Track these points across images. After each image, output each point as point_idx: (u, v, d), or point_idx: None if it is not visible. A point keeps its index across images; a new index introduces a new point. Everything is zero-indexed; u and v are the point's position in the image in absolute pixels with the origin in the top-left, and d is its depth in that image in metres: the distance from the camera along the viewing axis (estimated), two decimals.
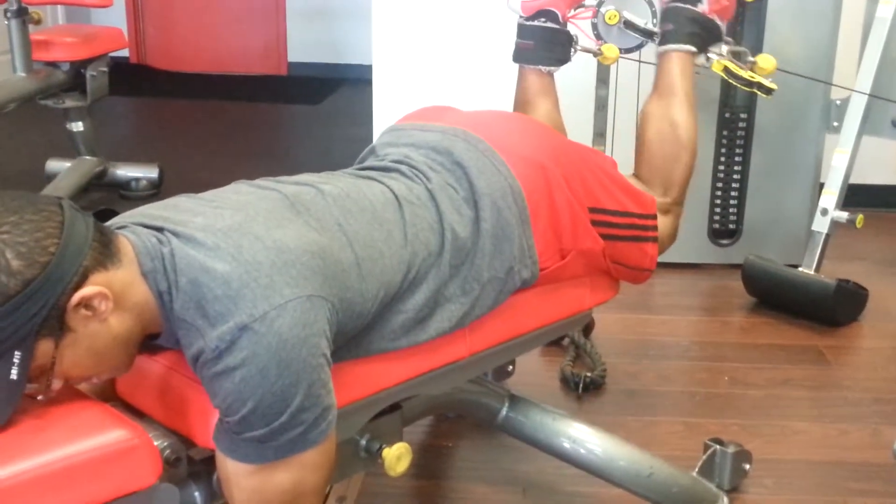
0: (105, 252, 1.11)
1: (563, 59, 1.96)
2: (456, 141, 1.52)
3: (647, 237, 1.68)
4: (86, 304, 1.08)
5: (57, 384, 1.12)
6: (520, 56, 1.96)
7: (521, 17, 1.96)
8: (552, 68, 1.95)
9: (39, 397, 1.12)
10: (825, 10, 2.76)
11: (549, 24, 1.93)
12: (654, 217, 1.69)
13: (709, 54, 1.94)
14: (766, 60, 2.08)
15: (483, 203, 1.44)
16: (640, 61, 2.28)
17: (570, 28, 1.99)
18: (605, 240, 1.60)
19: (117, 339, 1.14)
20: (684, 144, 1.81)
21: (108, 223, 1.22)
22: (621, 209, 1.63)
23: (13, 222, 1.05)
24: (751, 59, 2.06)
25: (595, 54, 2.08)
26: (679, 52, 1.88)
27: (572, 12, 2.00)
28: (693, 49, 1.88)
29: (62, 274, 1.06)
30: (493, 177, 1.47)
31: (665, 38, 1.90)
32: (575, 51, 2.00)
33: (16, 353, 1.04)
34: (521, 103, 1.96)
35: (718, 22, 1.92)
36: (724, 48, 1.95)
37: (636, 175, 1.83)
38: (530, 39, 1.95)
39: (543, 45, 1.94)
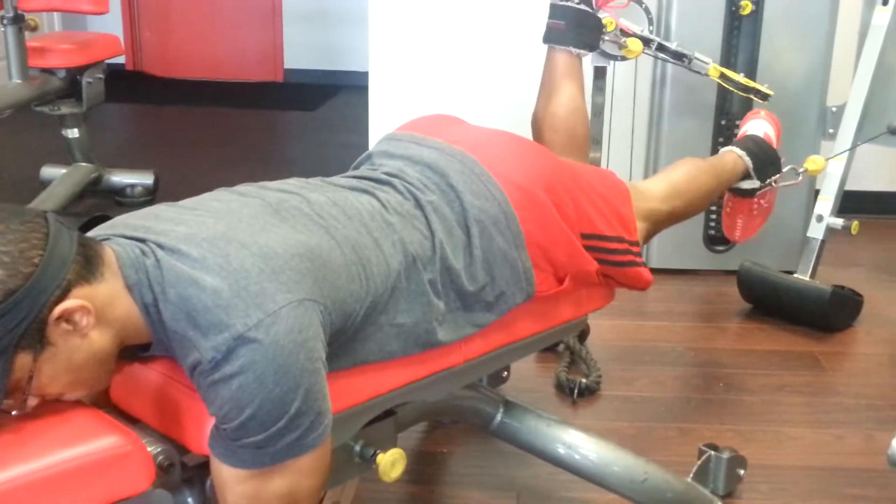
0: (88, 266, 1.11)
1: (593, 44, 1.97)
2: (452, 162, 1.51)
3: (638, 262, 1.69)
4: (67, 317, 1.08)
5: (33, 401, 1.11)
6: (550, 36, 1.96)
7: None
8: (582, 51, 1.95)
9: (14, 412, 1.10)
10: (821, 17, 2.77)
11: (582, 7, 1.93)
12: (638, 243, 1.71)
13: (763, 178, 2.12)
14: (814, 163, 2.31)
15: (474, 229, 1.44)
16: (656, 57, 2.30)
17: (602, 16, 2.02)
18: (599, 264, 1.61)
19: (97, 356, 1.13)
20: (699, 186, 1.95)
21: (90, 234, 1.21)
22: (614, 234, 1.63)
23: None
24: (801, 170, 2.27)
25: (620, 46, 2.09)
26: (734, 154, 2.09)
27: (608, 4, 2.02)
28: (747, 159, 2.07)
29: (45, 286, 1.05)
30: (486, 202, 1.47)
31: (731, 145, 2.13)
32: (603, 40, 2.01)
33: None
34: (548, 84, 1.96)
35: (779, 155, 2.14)
36: (781, 172, 2.16)
37: (647, 180, 1.88)
38: (562, 20, 1.95)
39: (574, 26, 1.94)
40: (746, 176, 2.09)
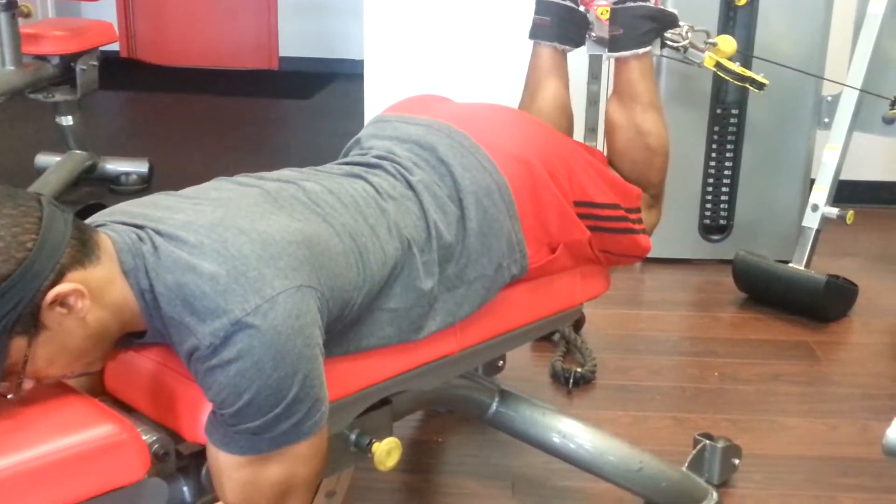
0: (83, 249, 1.10)
1: (578, 41, 1.94)
2: (440, 136, 1.51)
3: (636, 230, 1.68)
4: (61, 301, 1.07)
5: (28, 383, 1.11)
6: (536, 32, 1.94)
7: None
8: (566, 47, 1.93)
9: (10, 396, 1.11)
10: (817, 6, 2.77)
11: (567, 3, 1.91)
12: (639, 210, 1.70)
13: (666, 41, 1.89)
14: (726, 42, 2.06)
15: (468, 201, 1.44)
16: (660, 56, 2.25)
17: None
18: (592, 231, 1.60)
19: (92, 338, 1.13)
20: (655, 150, 1.79)
21: (88, 220, 1.21)
22: (608, 202, 1.63)
23: None
24: (711, 41, 2.04)
25: (605, 44, 2.07)
26: (634, 59, 1.81)
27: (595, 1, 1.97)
28: (648, 49, 1.82)
29: (38, 270, 1.05)
30: (478, 174, 1.47)
31: (617, 44, 1.82)
32: (589, 37, 1.99)
33: None
34: (532, 81, 1.94)
35: (672, 10, 1.86)
36: (684, 29, 1.90)
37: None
38: (547, 15, 1.92)
39: (560, 22, 1.91)
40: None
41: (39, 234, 1.06)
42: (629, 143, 1.78)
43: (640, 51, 1.80)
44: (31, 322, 1.06)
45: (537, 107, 1.92)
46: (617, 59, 1.83)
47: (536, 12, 1.95)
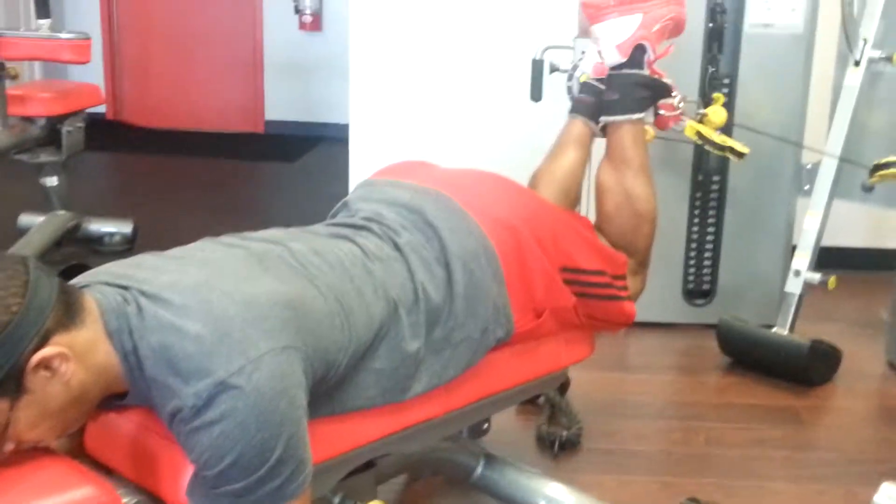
0: (68, 313, 1.10)
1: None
2: (427, 200, 1.52)
3: (621, 296, 1.69)
4: (46, 364, 1.07)
5: (9, 446, 1.09)
6: (577, 108, 1.91)
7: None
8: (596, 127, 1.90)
9: None
10: (795, 76, 2.82)
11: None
12: (625, 277, 1.70)
13: (659, 111, 1.90)
14: (716, 114, 2.09)
15: (455, 265, 1.44)
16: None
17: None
18: (577, 297, 1.61)
19: (75, 401, 1.12)
20: (644, 216, 1.81)
21: (73, 281, 1.20)
22: (594, 268, 1.63)
23: None
24: (701, 111, 2.07)
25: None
26: (628, 122, 1.83)
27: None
28: (642, 115, 1.84)
29: (23, 334, 1.05)
30: (464, 237, 1.48)
31: (611, 109, 1.84)
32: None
33: None
34: (557, 146, 1.90)
35: (665, 80, 1.89)
36: (677, 99, 1.92)
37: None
38: (591, 95, 1.89)
39: (599, 102, 1.88)
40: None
41: (25, 298, 1.06)
42: (618, 207, 1.80)
43: (634, 116, 1.82)
44: (13, 385, 1.05)
45: (553, 168, 1.88)
46: (610, 125, 1.85)
47: (581, 91, 1.94)
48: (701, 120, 2.07)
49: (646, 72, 1.85)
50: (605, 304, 1.67)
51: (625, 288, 1.70)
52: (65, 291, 1.12)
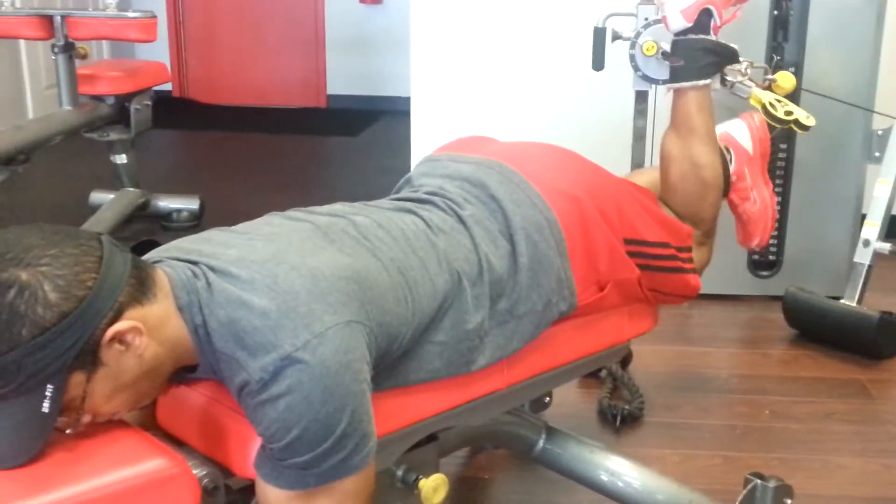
0: (141, 287, 1.13)
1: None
2: (491, 173, 1.52)
3: (686, 269, 1.67)
4: (120, 338, 1.10)
5: (86, 418, 1.13)
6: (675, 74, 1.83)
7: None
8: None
9: (68, 431, 1.13)
10: (866, 38, 2.74)
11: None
12: (690, 249, 1.68)
13: (725, 76, 1.87)
14: (785, 79, 2.02)
15: (518, 237, 1.44)
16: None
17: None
18: (641, 270, 1.60)
19: (149, 374, 1.15)
20: (709, 184, 1.77)
21: (145, 257, 1.24)
22: (659, 240, 1.62)
23: (53, 255, 1.07)
24: (770, 76, 2.02)
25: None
26: (694, 89, 1.80)
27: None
28: (707, 81, 1.80)
29: (98, 308, 1.07)
30: (528, 210, 1.48)
31: (677, 75, 1.81)
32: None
33: (48, 385, 1.06)
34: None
35: (732, 46, 1.83)
36: (744, 65, 1.88)
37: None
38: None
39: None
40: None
41: (100, 273, 1.08)
42: (683, 175, 1.77)
43: (700, 82, 1.78)
44: (89, 359, 1.08)
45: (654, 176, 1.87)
46: (676, 91, 1.82)
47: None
48: (769, 86, 2.03)
49: (712, 37, 1.81)
50: (669, 276, 1.65)
51: (690, 260, 1.68)
52: (137, 267, 1.14)
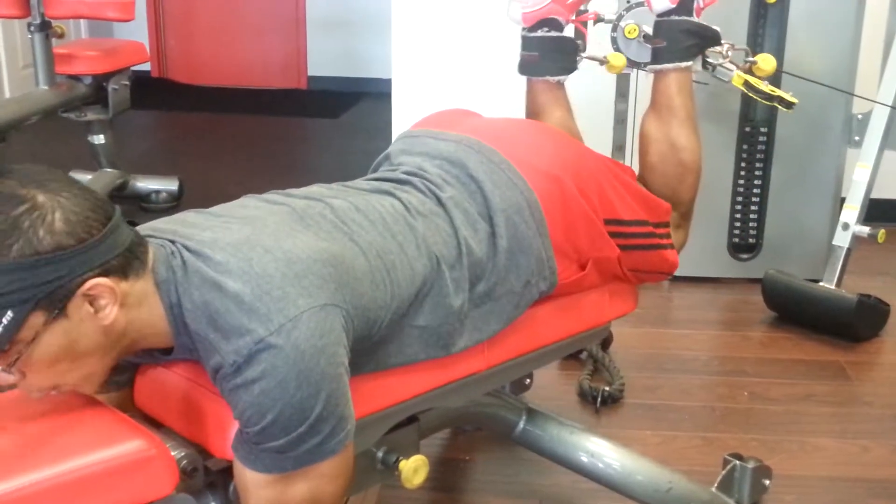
0: (132, 263, 1.12)
1: (570, 67, 1.92)
2: (470, 153, 1.51)
3: (664, 244, 1.67)
4: (93, 298, 1.08)
5: (15, 375, 1.09)
6: (525, 68, 1.92)
7: (523, 28, 1.93)
8: (560, 77, 1.92)
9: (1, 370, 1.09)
10: (847, 22, 2.75)
11: (553, 34, 1.89)
12: (667, 224, 1.69)
13: (707, 58, 1.86)
14: (766, 61, 2.01)
15: (498, 219, 1.44)
16: (638, 69, 2.21)
17: (577, 34, 1.96)
18: (621, 249, 1.60)
19: (98, 351, 1.13)
20: (688, 166, 1.77)
21: None
22: (635, 218, 1.62)
23: (74, 193, 1.08)
24: (751, 59, 2.02)
25: (601, 62, 2.05)
26: (675, 70, 1.80)
27: (575, 16, 1.96)
28: (689, 63, 1.80)
29: (91, 258, 1.07)
30: (508, 191, 1.47)
31: (658, 56, 1.81)
32: (580, 59, 1.97)
33: (8, 311, 1.04)
34: (533, 115, 1.94)
35: (714, 28, 1.83)
36: (725, 48, 1.87)
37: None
38: (536, 51, 1.91)
39: (549, 55, 1.89)
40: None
41: (107, 227, 1.09)
42: (662, 157, 1.77)
43: (682, 64, 1.78)
44: (57, 305, 1.06)
45: None
46: (656, 73, 1.82)
47: (523, 49, 1.91)
48: (750, 68, 2.03)
49: (695, 18, 1.81)
50: (647, 253, 1.65)
51: (667, 236, 1.69)
52: (138, 244, 1.14)
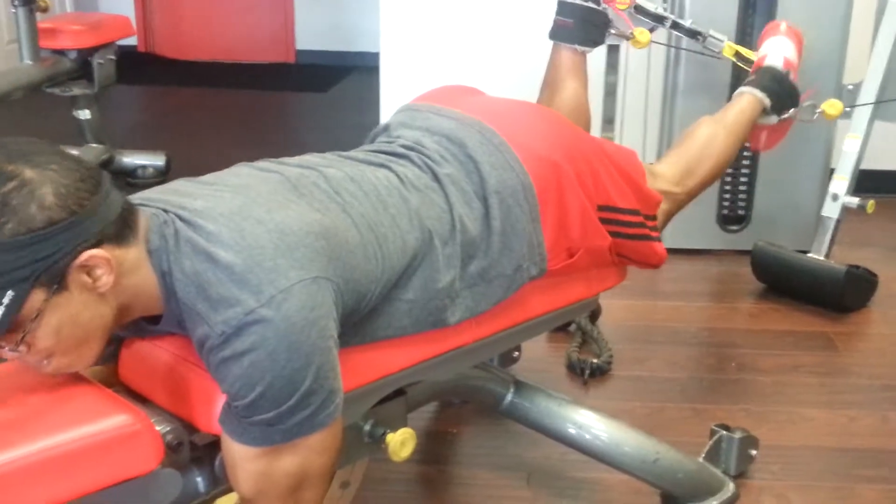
0: (125, 229, 1.11)
1: (599, 40, 1.98)
2: (471, 133, 1.50)
3: (652, 237, 1.67)
4: (90, 269, 1.07)
5: (23, 349, 1.09)
6: (557, 33, 1.98)
7: None
8: (586, 48, 1.96)
9: (7, 350, 1.09)
10: (836, 13, 2.73)
11: (590, 4, 1.93)
12: (656, 217, 1.69)
13: (782, 115, 2.02)
14: (832, 106, 2.19)
15: (492, 200, 1.43)
16: (669, 45, 2.27)
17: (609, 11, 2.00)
18: (612, 237, 1.59)
19: (100, 320, 1.12)
20: (715, 155, 1.87)
21: None
22: (629, 207, 1.62)
23: (63, 164, 1.07)
24: (819, 110, 2.17)
25: (627, 38, 2.08)
26: (751, 95, 1.96)
27: None
28: (765, 99, 1.97)
29: (85, 228, 1.06)
30: (504, 173, 1.46)
31: (746, 83, 2.01)
32: (609, 34, 2.00)
33: (9, 292, 1.03)
34: (552, 80, 1.96)
35: (797, 89, 2.04)
36: (806, 102, 2.09)
37: (660, 162, 1.85)
38: (570, 17, 1.96)
39: (582, 24, 1.94)
40: (764, 113, 2.05)
41: (97, 196, 1.08)
42: (699, 136, 1.89)
43: (758, 94, 1.97)
44: (56, 279, 1.06)
45: (556, 106, 1.93)
46: (735, 94, 2.02)
47: (558, 13, 1.96)
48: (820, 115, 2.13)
49: (790, 75, 2.04)
50: (637, 244, 1.65)
51: (655, 228, 1.69)
52: (128, 209, 1.13)
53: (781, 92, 2.01)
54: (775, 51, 2.09)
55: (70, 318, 1.09)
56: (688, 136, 1.91)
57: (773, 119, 2.01)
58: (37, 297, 1.05)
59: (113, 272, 1.09)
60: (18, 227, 1.01)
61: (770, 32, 2.18)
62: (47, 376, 1.17)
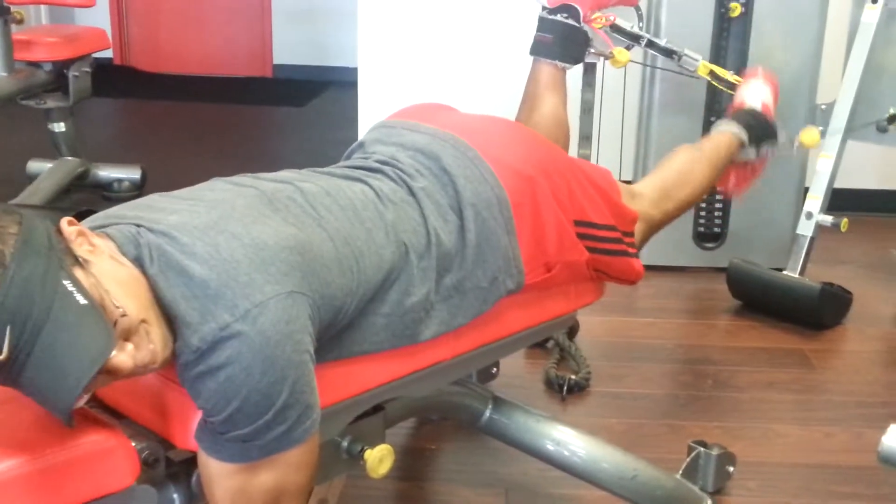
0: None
1: (578, 58, 2.00)
2: (445, 146, 1.50)
3: (630, 253, 1.68)
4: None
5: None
6: (537, 49, 2.01)
7: (543, 9, 1.99)
8: (566, 65, 1.99)
9: None
10: (811, 15, 2.77)
11: (570, 21, 1.96)
12: (633, 234, 1.70)
13: (759, 149, 2.05)
14: (809, 137, 2.31)
15: (468, 213, 1.43)
16: (645, 64, 2.30)
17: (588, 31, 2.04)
18: (589, 252, 1.60)
19: None
20: (693, 181, 1.89)
21: (83, 223, 1.19)
22: (606, 223, 1.62)
23: None
24: (796, 143, 2.27)
25: (606, 57, 2.11)
26: (729, 129, 2.00)
27: (593, 16, 2.05)
28: (742, 133, 2.00)
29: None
30: (479, 186, 1.46)
31: (724, 118, 2.06)
32: (588, 52, 2.03)
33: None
34: (531, 95, 1.97)
35: (776, 125, 2.08)
36: (777, 143, 2.11)
37: (639, 183, 1.87)
38: (550, 34, 1.98)
39: (562, 41, 1.97)
40: (742, 146, 2.08)
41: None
42: (679, 161, 1.91)
43: (736, 130, 2.00)
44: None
45: (534, 122, 1.93)
46: (713, 129, 2.05)
47: (539, 29, 1.98)
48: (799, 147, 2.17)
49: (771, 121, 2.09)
50: (614, 260, 1.66)
51: (633, 245, 1.69)
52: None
53: (758, 126, 2.05)
54: (753, 95, 2.15)
55: None
56: (667, 161, 1.93)
57: (752, 153, 2.04)
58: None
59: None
60: None
61: (747, 78, 2.24)
62: (20, 394, 1.15)
